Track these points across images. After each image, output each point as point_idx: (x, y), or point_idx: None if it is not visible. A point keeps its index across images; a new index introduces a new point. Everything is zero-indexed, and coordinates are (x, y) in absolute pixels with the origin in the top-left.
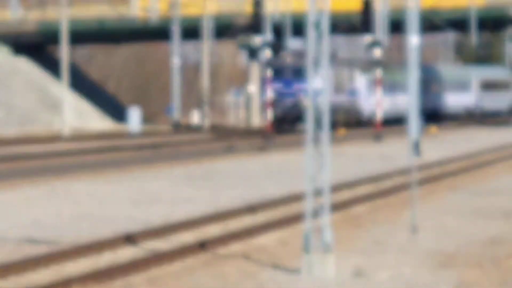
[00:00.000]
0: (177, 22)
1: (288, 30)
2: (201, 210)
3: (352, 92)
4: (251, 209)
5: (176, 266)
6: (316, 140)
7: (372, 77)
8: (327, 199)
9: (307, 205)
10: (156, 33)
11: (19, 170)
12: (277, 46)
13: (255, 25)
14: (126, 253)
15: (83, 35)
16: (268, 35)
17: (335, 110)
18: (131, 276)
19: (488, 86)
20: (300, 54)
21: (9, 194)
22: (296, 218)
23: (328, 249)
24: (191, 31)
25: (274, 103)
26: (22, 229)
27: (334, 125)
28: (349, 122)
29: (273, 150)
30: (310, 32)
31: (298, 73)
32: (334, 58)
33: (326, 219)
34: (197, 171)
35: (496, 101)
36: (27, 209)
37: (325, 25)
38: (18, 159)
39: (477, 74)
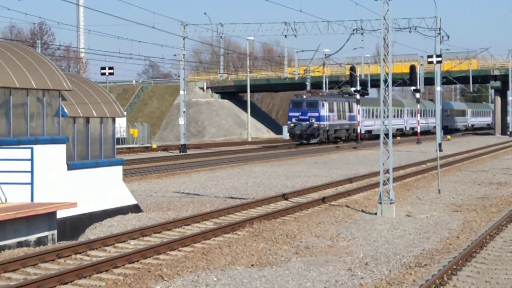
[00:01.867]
0: (309, 80)
1: (369, 83)
2: (322, 181)
3: (351, 118)
4: (349, 180)
5: (309, 211)
6: (385, 143)
7: (366, 107)
8: (391, 174)
9: (380, 178)
10: (298, 85)
11: (225, 159)
12: (363, 92)
13: (351, 81)
14: (282, 204)
15: (258, 87)
16: (358, 86)
17: (341, 129)
18: (285, 217)
19: (477, 113)
20: (312, 93)
21: (219, 172)
22: (374, 185)
23: (392, 201)
24: (316, 85)
25: (295, 126)
26: (226, 191)
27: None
28: (349, 137)
29: (361, 148)
30: (381, 84)
31: (311, 105)
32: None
33: (391, 185)
34: (320, 159)
35: (481, 121)
36: (229, 180)
37: (389, 81)
38: (224, 154)
39: (471, 107)
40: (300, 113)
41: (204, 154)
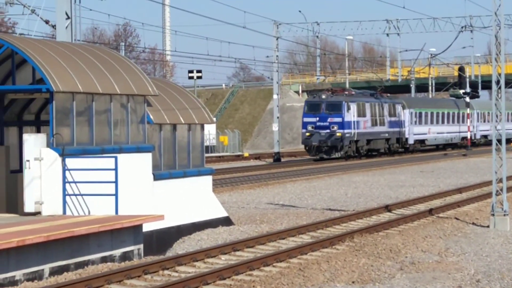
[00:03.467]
0: (413, 81)
1: (479, 85)
2: (429, 191)
3: (395, 124)
4: (459, 190)
5: (415, 223)
6: (498, 149)
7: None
8: (504, 184)
9: (493, 187)
10: (401, 88)
11: (322, 168)
12: (473, 95)
13: (459, 82)
14: (385, 216)
15: (357, 89)
16: (467, 88)
17: (377, 139)
18: (388, 230)
19: None
20: (334, 91)
21: (316, 182)
22: (486, 195)
23: (506, 213)
24: (421, 87)
25: (311, 135)
26: (324, 202)
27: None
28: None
29: (471, 155)
30: (493, 86)
31: (333, 108)
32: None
33: (505, 195)
34: (427, 168)
35: None
36: (326, 190)
37: (502, 82)
38: (321, 162)
39: None
40: (318, 118)
41: (300, 162)
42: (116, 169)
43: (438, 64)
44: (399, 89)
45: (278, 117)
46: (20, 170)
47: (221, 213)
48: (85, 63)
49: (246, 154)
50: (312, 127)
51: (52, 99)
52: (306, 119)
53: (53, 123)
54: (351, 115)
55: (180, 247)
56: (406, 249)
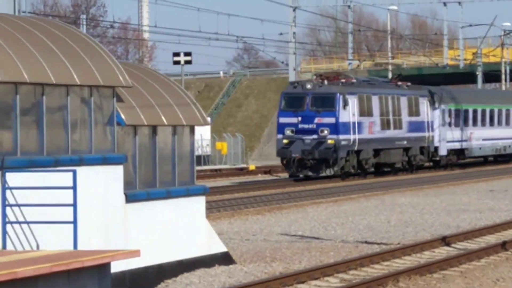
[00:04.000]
0: (480, 67)
1: None
2: (502, 218)
3: (418, 126)
4: None
5: (483, 261)
6: None
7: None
8: None
9: None
10: (463, 76)
11: (356, 186)
12: None
13: None
14: (442, 252)
15: (405, 78)
16: None
17: (390, 149)
18: (446, 271)
19: None
20: (325, 79)
21: (347, 205)
22: None
23: None
24: (491, 75)
25: (290, 143)
26: (358, 233)
27: None
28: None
29: None
30: None
31: (322, 103)
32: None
33: None
34: (498, 185)
35: None
36: (362, 216)
37: None
38: (355, 177)
39: None
40: (300, 119)
41: (324, 178)
42: (74, 187)
43: None
44: (460, 77)
45: None
46: None
47: (218, 247)
48: (32, 44)
49: (252, 167)
50: (292, 131)
51: None
52: (282, 120)
53: None
54: (349, 113)
55: None
56: None
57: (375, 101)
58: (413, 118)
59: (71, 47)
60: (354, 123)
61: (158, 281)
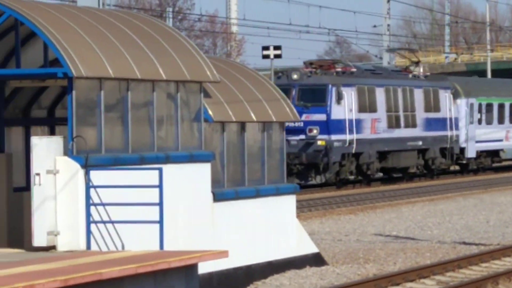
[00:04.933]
0: None
1: None
2: None
3: (439, 123)
4: None
5: None
6: None
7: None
8: None
9: None
10: None
11: (453, 184)
12: None
13: None
14: None
15: (506, 73)
16: None
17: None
18: None
19: None
20: (317, 67)
21: (444, 204)
22: None
23: None
24: None
25: None
26: (455, 233)
27: None
28: None
29: None
30: None
31: (312, 96)
32: None
33: None
34: None
35: None
36: (459, 216)
37: None
38: (451, 175)
39: None
40: None
41: (419, 176)
42: (160, 186)
43: None
44: None
45: None
46: (27, 188)
47: (309, 248)
48: (118, 38)
49: None
50: None
51: (71, 88)
52: None
53: (73, 121)
54: (344, 108)
55: None
56: None
57: (380, 94)
58: (431, 114)
59: (157, 41)
60: (351, 120)
61: (247, 283)
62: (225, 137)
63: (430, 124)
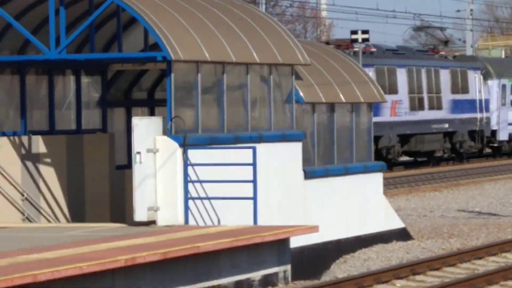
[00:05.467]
0: None
1: None
2: None
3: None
4: None
5: None
6: None
7: None
8: None
9: None
10: None
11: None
12: None
13: None
14: None
15: None
16: None
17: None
18: None
19: None
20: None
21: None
22: None
23: None
24: None
25: None
26: None
27: None
28: None
29: None
30: None
31: None
32: None
33: None
34: None
35: None
36: None
37: None
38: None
39: None
40: None
41: (502, 154)
42: (254, 164)
43: None
44: None
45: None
46: (128, 166)
47: (396, 223)
48: (213, 23)
49: None
50: None
51: (170, 71)
52: None
53: (172, 102)
54: None
55: (341, 268)
56: None
57: (401, 75)
58: (459, 96)
59: (251, 26)
60: None
61: (337, 257)
62: (315, 117)
63: (458, 106)
